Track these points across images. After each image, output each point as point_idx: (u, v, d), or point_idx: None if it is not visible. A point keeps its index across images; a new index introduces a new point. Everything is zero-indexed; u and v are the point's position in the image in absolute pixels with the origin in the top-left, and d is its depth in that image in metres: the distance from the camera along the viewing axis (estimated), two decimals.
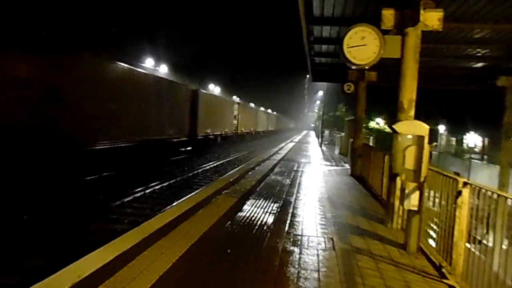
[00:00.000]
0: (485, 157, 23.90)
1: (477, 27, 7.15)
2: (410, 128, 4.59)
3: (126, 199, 9.48)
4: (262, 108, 58.69)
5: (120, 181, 11.67)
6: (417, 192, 4.40)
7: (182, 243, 4.39)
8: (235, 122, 30.62)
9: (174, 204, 7.67)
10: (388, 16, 5.31)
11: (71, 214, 7.83)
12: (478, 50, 9.04)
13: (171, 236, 4.64)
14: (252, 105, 53.34)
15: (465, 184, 3.61)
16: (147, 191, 10.61)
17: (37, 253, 5.65)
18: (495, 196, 3.13)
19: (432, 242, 4.48)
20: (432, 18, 5.15)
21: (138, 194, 10.11)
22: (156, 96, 15.72)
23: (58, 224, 7.16)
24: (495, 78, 10.41)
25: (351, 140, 12.71)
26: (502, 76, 10.27)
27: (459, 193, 3.64)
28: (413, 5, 5.10)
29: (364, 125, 22.98)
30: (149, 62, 29.10)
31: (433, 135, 36.77)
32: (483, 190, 3.34)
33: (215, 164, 17.74)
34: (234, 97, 54.33)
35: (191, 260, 3.95)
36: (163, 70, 31.19)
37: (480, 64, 10.65)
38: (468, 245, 3.66)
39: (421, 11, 5.06)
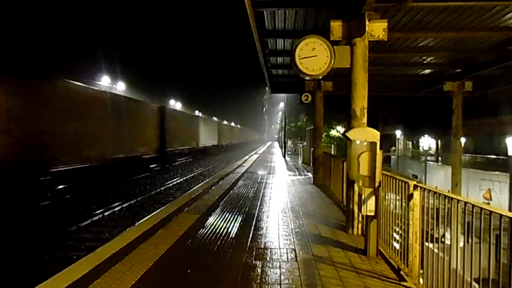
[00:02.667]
0: (440, 158, 25.05)
1: (421, 36, 7.53)
2: (363, 134, 4.69)
3: (83, 223, 9.05)
4: (225, 122, 58.63)
5: (79, 204, 11.16)
6: (373, 198, 4.48)
7: (139, 266, 4.21)
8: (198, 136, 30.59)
9: (133, 226, 7.39)
10: (336, 27, 5.48)
11: (23, 243, 7.36)
12: (424, 57, 9.54)
13: (128, 260, 4.43)
14: (215, 119, 53.23)
15: (415, 187, 3.72)
16: (106, 213, 10.19)
17: None
18: (442, 197, 3.23)
19: (397, 246, 4.55)
20: (377, 29, 5.37)
21: (96, 218, 9.68)
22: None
23: (6, 255, 6.69)
24: (441, 83, 11.04)
25: (313, 149, 12.91)
26: (448, 82, 10.91)
27: (411, 196, 3.74)
28: (359, 17, 5.29)
29: (325, 133, 23.53)
30: (105, 80, 28.25)
31: (391, 140, 38.22)
32: (432, 192, 3.44)
33: (178, 181, 17.41)
34: (196, 111, 54.03)
35: (148, 284, 3.77)
36: (120, 87, 30.38)
37: (427, 71, 11.23)
38: (429, 244, 3.72)
39: (367, 22, 5.26)
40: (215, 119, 52.67)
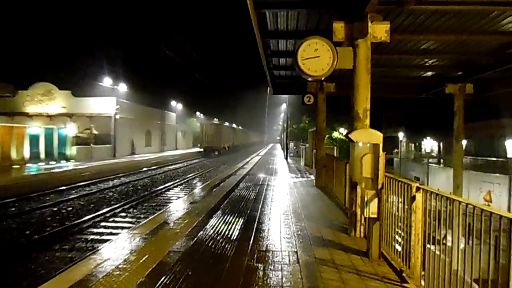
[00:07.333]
0: (442, 160, 24.96)
1: (423, 38, 7.51)
2: (365, 136, 4.67)
3: (85, 224, 9.06)
4: (226, 123, 58.65)
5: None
6: (376, 200, 4.46)
7: (140, 269, 4.19)
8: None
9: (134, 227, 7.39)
10: (339, 28, 5.46)
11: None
12: (426, 60, 9.52)
13: (130, 261, 4.42)
14: (216, 120, 53.34)
15: (417, 189, 3.69)
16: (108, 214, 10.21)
17: None
18: (444, 198, 3.21)
19: (399, 248, 4.51)
20: (380, 30, 5.35)
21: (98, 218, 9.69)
22: None
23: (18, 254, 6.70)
24: (443, 86, 11.02)
25: (315, 151, 12.89)
26: (449, 84, 10.89)
27: (413, 198, 3.72)
28: (362, 18, 5.28)
29: (327, 135, 23.46)
30: (107, 81, 28.26)
31: (394, 142, 38.15)
32: (434, 194, 3.42)
33: (179, 182, 17.41)
34: (198, 113, 54.04)
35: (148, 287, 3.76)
36: (122, 88, 30.41)
37: (429, 73, 11.21)
38: (431, 246, 3.69)
39: (369, 24, 5.25)
40: (216, 120, 52.78)
